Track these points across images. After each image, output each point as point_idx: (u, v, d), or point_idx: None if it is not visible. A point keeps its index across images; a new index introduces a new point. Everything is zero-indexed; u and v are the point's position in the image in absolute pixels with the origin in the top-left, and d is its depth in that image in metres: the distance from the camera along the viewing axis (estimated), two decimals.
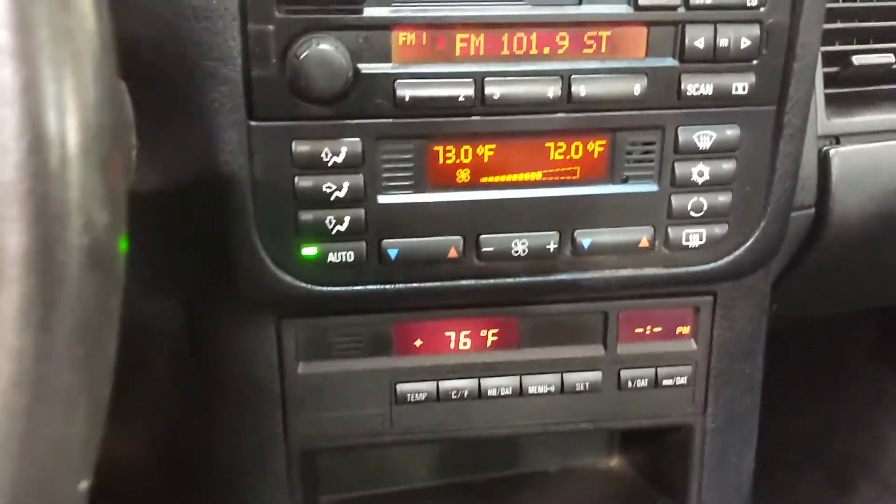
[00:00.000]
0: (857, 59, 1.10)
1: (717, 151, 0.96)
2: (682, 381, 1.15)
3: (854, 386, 1.88)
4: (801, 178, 1.05)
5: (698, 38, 0.91)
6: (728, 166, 0.97)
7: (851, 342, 1.91)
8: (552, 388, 1.12)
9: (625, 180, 0.97)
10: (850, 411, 1.86)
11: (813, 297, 1.36)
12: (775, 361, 1.27)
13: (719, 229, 1.00)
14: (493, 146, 0.94)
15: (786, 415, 1.70)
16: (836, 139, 1.11)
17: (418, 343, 1.09)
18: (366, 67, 0.87)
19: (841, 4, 1.10)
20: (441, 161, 0.94)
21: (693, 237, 1.00)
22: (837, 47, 1.11)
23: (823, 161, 1.09)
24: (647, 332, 1.14)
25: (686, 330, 1.15)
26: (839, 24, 1.11)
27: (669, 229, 0.99)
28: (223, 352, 1.04)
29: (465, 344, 1.10)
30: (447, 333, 1.09)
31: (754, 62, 0.93)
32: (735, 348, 1.17)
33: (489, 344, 1.10)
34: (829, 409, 1.88)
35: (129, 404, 1.22)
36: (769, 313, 1.20)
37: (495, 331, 1.10)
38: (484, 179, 0.95)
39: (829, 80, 1.11)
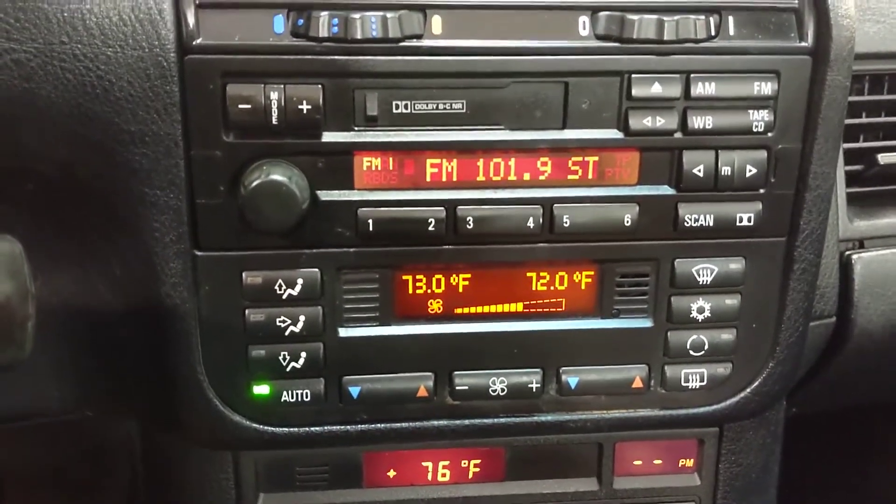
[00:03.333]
0: (882, 158, 1.00)
1: (720, 286, 0.86)
2: None
3: (878, 470, 1.75)
4: (821, 286, 0.95)
5: (697, 165, 0.82)
6: (732, 302, 0.87)
7: (875, 423, 1.78)
8: None
9: (615, 314, 0.88)
10: (875, 497, 1.73)
11: (833, 399, 1.24)
12: (797, 441, 1.16)
13: (722, 369, 0.90)
14: (468, 275, 0.86)
15: (809, 500, 1.59)
16: (860, 243, 1.01)
17: (392, 474, 0.99)
18: (325, 194, 0.79)
19: (865, 98, 1.00)
20: (410, 291, 0.85)
21: (693, 377, 0.90)
22: (861, 144, 1.01)
23: (845, 267, 0.99)
24: (646, 465, 1.03)
25: (689, 462, 1.04)
26: (864, 119, 1.01)
27: (666, 368, 0.89)
28: (176, 481, 0.96)
29: (444, 475, 1.00)
30: (424, 464, 1.00)
31: (761, 191, 0.84)
32: (744, 483, 1.06)
33: (471, 476, 1.01)
34: (855, 493, 1.75)
35: None
36: (787, 415, 1.09)
37: (478, 462, 1.01)
38: (458, 311, 0.86)
39: (852, 179, 1.01)
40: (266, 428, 0.86)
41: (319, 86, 0.75)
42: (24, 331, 0.59)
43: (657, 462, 1.03)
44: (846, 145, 0.97)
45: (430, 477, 1.00)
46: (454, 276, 0.85)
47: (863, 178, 1.02)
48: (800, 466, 1.24)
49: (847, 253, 0.99)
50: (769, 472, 1.09)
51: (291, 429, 0.86)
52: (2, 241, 0.60)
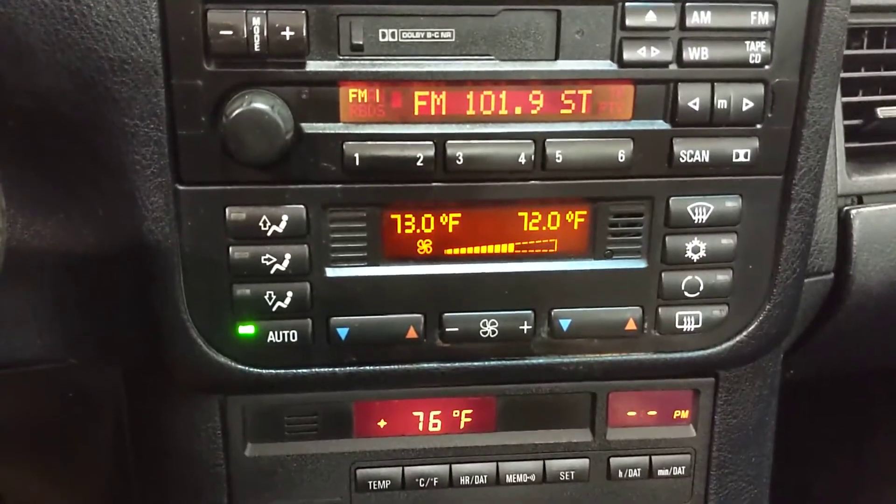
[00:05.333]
0: (881, 112, 0.98)
1: (716, 225, 0.84)
2: (679, 471, 1.03)
3: (880, 439, 1.73)
4: (819, 242, 0.94)
5: (693, 99, 0.80)
6: (728, 242, 0.85)
7: (877, 391, 1.77)
8: (533, 477, 1.00)
9: (608, 255, 0.86)
10: (876, 466, 1.71)
11: (833, 361, 1.23)
12: (794, 412, 1.15)
13: (718, 311, 0.88)
14: (459, 214, 0.84)
15: (807, 470, 1.59)
16: (858, 198, 0.99)
17: (382, 424, 0.98)
18: (310, 127, 0.77)
19: (865, 51, 0.98)
20: (399, 230, 0.83)
21: (688, 320, 0.88)
22: (860, 98, 0.99)
23: (843, 222, 0.97)
24: (641, 416, 1.02)
25: (685, 414, 1.02)
26: (863, 73, 0.99)
27: (660, 310, 0.88)
28: (162, 430, 0.94)
29: (434, 425, 0.99)
30: (415, 413, 0.98)
31: (758, 126, 0.81)
32: (740, 436, 1.04)
33: (462, 426, 0.99)
34: (853, 464, 1.74)
35: (71, 479, 1.14)
36: (785, 379, 1.07)
37: (469, 411, 0.99)
38: (448, 251, 0.84)
39: (851, 134, 0.99)
40: (252, 370, 0.84)
41: (303, 12, 0.73)
42: None
43: (652, 413, 1.02)
44: (845, 99, 0.96)
45: (420, 427, 0.98)
46: (444, 215, 0.83)
47: (862, 134, 1.00)
48: (798, 435, 1.23)
49: (846, 208, 0.97)
50: (765, 426, 1.07)
51: (278, 371, 0.85)
52: None
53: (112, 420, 0.99)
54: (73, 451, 1.05)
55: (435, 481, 0.98)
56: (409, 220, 0.83)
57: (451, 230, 0.84)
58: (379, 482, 0.98)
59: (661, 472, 1.02)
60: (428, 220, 0.83)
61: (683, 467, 1.02)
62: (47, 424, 1.03)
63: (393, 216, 0.82)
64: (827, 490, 1.73)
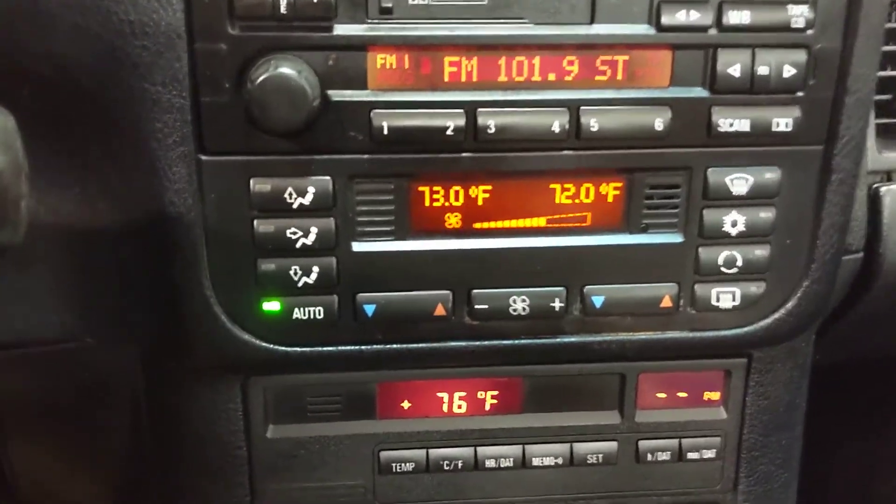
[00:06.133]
0: None
1: (754, 197, 0.82)
2: (709, 453, 1.00)
3: None
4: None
5: (733, 65, 0.77)
6: (766, 215, 0.83)
7: None
8: (560, 460, 0.97)
9: (644, 229, 0.83)
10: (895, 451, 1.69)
11: (860, 344, 1.20)
12: (813, 396, 1.12)
13: (756, 287, 0.85)
14: (489, 187, 0.81)
15: (825, 454, 1.56)
16: (888, 175, 0.96)
17: (406, 405, 0.95)
18: (337, 94, 0.74)
19: (894, 24, 0.95)
20: (427, 203, 0.80)
21: (725, 296, 0.85)
22: (890, 72, 0.96)
23: (874, 200, 0.94)
24: (671, 397, 0.99)
25: (715, 396, 1.00)
26: (893, 47, 0.96)
27: (696, 287, 0.85)
28: (181, 411, 0.92)
29: (459, 407, 0.96)
30: (439, 394, 0.95)
31: (799, 94, 0.79)
32: (771, 418, 1.01)
33: (488, 407, 0.96)
34: (872, 448, 1.71)
35: (87, 462, 1.11)
36: (813, 361, 1.05)
37: (495, 392, 0.96)
38: (477, 225, 0.82)
39: (882, 109, 0.95)
40: (276, 347, 0.81)
41: None
42: (18, 209, 0.54)
43: (682, 395, 0.99)
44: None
45: (445, 408, 0.96)
46: (473, 187, 0.81)
47: (892, 109, 0.97)
48: (824, 420, 1.20)
49: (875, 185, 0.94)
50: (796, 408, 1.05)
51: (303, 349, 0.82)
52: None
53: (129, 401, 0.97)
54: (90, 431, 1.03)
55: (460, 464, 0.96)
56: (438, 192, 0.80)
57: (480, 203, 0.81)
58: (403, 465, 0.95)
59: (690, 455, 0.99)
60: (457, 192, 0.81)
61: (714, 450, 1.00)
62: (64, 404, 1.01)
63: (421, 188, 0.80)
64: (846, 477, 1.71)
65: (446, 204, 0.81)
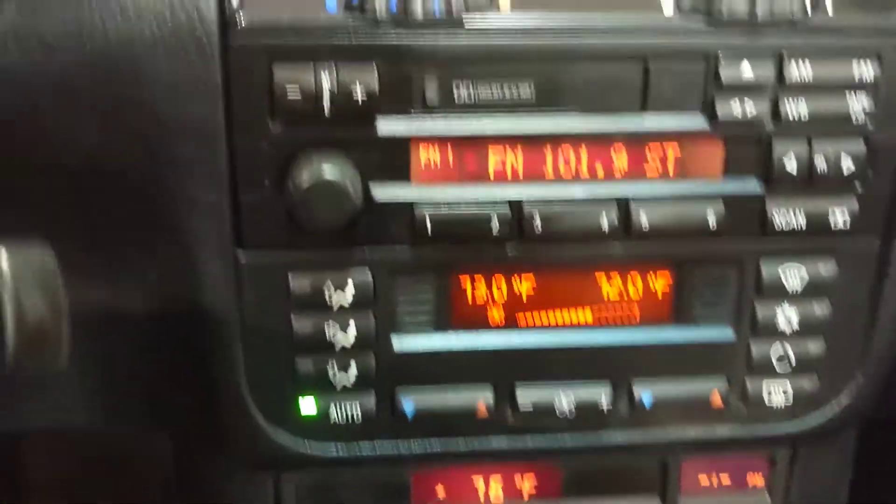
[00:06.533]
0: None
1: (809, 291, 0.79)
2: None
3: None
4: None
5: (789, 157, 0.74)
6: (821, 309, 0.79)
7: None
8: None
9: (693, 324, 0.80)
10: None
11: None
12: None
13: (808, 383, 0.82)
14: (533, 279, 0.78)
15: None
16: None
17: (441, 493, 0.92)
18: (380, 190, 0.72)
19: None
20: (469, 296, 0.78)
21: (776, 392, 0.82)
22: None
23: None
24: (714, 483, 0.95)
25: (759, 481, 0.96)
26: None
27: (748, 382, 0.82)
28: (212, 502, 0.89)
29: (496, 495, 0.93)
30: (476, 482, 0.92)
31: (858, 186, 0.76)
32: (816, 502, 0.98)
33: (526, 495, 0.93)
34: None
35: None
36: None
37: (533, 479, 0.93)
38: (521, 319, 0.79)
39: None
40: (312, 445, 0.79)
41: (374, 67, 0.68)
42: (60, 353, 0.52)
43: (725, 480, 0.95)
44: None
45: (481, 497, 0.92)
46: (516, 280, 0.78)
47: None
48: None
49: None
50: (841, 491, 1.01)
51: (339, 446, 0.79)
52: (32, 249, 0.52)
53: (160, 486, 0.94)
54: None
55: None
56: (480, 284, 0.78)
57: (524, 296, 0.78)
58: None
59: None
60: (500, 284, 0.78)
61: None
62: (94, 485, 0.98)
63: (463, 281, 0.77)
64: None
65: (489, 297, 0.78)
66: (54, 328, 0.50)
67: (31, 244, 0.52)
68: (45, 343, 0.49)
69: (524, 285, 0.78)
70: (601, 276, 0.78)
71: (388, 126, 0.70)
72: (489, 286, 0.78)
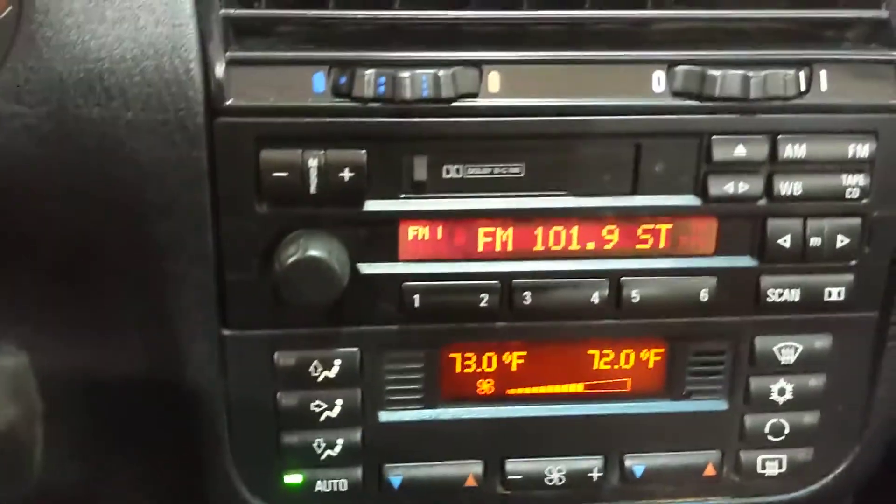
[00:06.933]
0: None
1: (804, 365, 0.77)
2: None
3: None
4: None
5: (783, 234, 0.73)
6: (816, 383, 0.78)
7: None
8: None
9: (686, 396, 0.79)
10: None
11: None
12: None
13: (804, 455, 0.81)
14: (523, 353, 0.77)
15: None
16: None
17: None
18: (366, 267, 0.71)
19: None
20: (458, 370, 0.77)
21: (771, 464, 0.81)
22: None
23: None
24: None
25: None
26: None
27: (741, 454, 0.80)
28: None
29: None
30: None
31: (853, 262, 0.74)
32: None
33: None
34: None
35: None
36: None
37: None
38: (511, 392, 0.78)
39: None
40: None
41: (364, 151, 0.67)
42: (31, 459, 0.51)
43: None
44: None
45: None
46: (507, 353, 0.77)
47: None
48: None
49: None
50: None
51: None
52: (5, 355, 0.51)
53: None
54: None
55: None
56: (470, 359, 0.77)
57: (514, 369, 0.77)
58: None
59: None
60: (490, 358, 0.77)
61: None
62: None
63: (452, 355, 0.76)
64: None
65: (478, 370, 0.77)
66: (25, 436, 0.49)
67: (2, 349, 0.51)
68: (17, 451, 0.48)
69: (514, 359, 0.77)
70: (592, 350, 0.77)
71: (377, 206, 0.69)
72: (479, 361, 0.77)
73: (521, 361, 0.77)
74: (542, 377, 0.78)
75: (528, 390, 0.78)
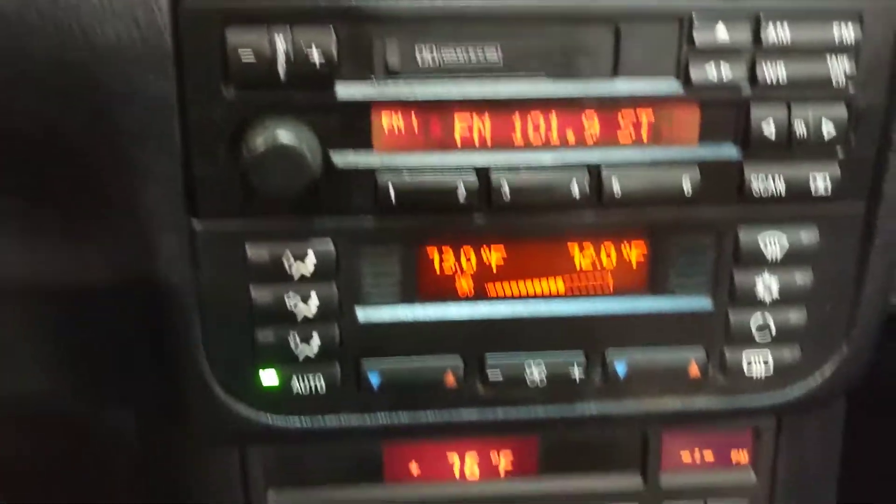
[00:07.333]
0: None
1: (789, 259, 0.76)
2: None
3: None
4: None
5: (767, 121, 0.71)
6: (803, 279, 0.77)
7: None
8: None
9: (670, 293, 0.77)
10: None
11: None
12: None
13: (790, 354, 0.80)
14: (502, 249, 0.75)
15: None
16: None
17: (415, 469, 0.90)
18: (340, 158, 0.69)
19: None
20: (436, 267, 0.75)
21: (757, 363, 0.80)
22: None
23: None
24: (696, 459, 0.93)
25: (743, 457, 0.94)
26: None
27: (727, 352, 0.79)
28: (179, 478, 0.88)
29: (472, 471, 0.91)
30: (450, 458, 0.90)
31: (839, 151, 0.73)
32: (804, 481, 0.96)
33: (502, 472, 0.91)
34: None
35: None
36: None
37: (509, 455, 0.91)
38: (490, 290, 0.76)
39: None
40: (275, 419, 0.77)
41: (332, 30, 0.65)
42: None
43: (708, 456, 0.93)
44: None
45: (456, 473, 0.91)
46: (485, 250, 0.75)
47: None
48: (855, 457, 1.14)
49: None
50: (830, 470, 0.99)
51: (303, 420, 0.77)
52: None
53: (126, 467, 0.92)
54: (86, 497, 0.99)
55: None
56: (448, 255, 0.75)
57: (493, 267, 0.76)
58: None
59: None
60: (468, 255, 0.75)
61: None
62: (58, 467, 0.97)
63: (430, 251, 0.75)
64: None
65: (457, 267, 0.76)
66: None
67: None
68: None
69: (493, 255, 0.76)
70: (573, 246, 0.76)
71: (348, 91, 0.67)
72: (457, 257, 0.75)
73: (499, 258, 0.76)
74: (522, 275, 0.77)
75: (507, 288, 0.77)
